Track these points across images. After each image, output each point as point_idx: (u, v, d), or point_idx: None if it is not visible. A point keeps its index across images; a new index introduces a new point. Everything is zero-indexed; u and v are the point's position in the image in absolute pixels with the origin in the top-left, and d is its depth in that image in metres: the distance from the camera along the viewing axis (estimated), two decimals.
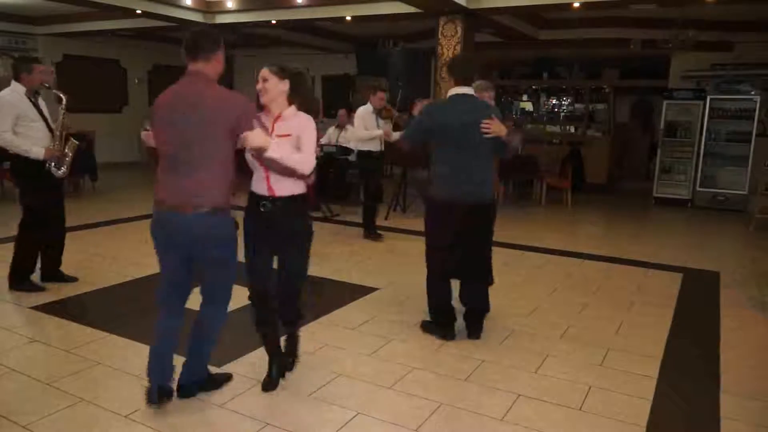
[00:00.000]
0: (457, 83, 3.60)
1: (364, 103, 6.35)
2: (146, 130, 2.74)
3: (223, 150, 2.49)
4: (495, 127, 3.42)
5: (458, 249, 3.59)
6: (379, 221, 6.74)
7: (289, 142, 2.67)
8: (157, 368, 2.66)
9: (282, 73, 2.70)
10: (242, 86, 13.08)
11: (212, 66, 2.53)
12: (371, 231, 6.48)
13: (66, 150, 4.30)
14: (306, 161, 2.67)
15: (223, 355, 3.18)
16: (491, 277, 3.78)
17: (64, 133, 4.29)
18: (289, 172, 2.64)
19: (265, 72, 2.71)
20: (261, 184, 2.74)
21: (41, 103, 4.30)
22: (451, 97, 3.63)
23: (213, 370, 3.00)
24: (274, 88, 2.70)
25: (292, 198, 2.75)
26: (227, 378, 3.00)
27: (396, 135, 5.88)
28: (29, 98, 4.19)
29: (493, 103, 3.90)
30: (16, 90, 4.15)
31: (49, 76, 4.38)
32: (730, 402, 2.96)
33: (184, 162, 2.47)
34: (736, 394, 3.05)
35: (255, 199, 2.77)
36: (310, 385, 3.01)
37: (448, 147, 3.54)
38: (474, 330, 3.71)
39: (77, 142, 4.39)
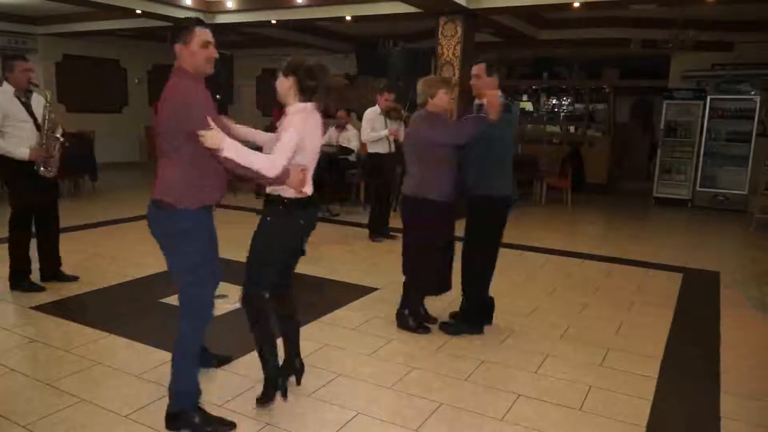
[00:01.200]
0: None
1: (363, 103, 6.35)
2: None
3: (179, 146, 2.40)
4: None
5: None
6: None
7: (272, 139, 2.66)
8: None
9: (286, 69, 2.69)
10: (243, 86, 13.13)
11: (181, 59, 2.45)
12: (381, 232, 6.40)
13: (52, 150, 4.24)
14: (266, 163, 2.46)
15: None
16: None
17: (49, 131, 4.24)
18: (251, 173, 2.47)
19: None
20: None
21: (34, 101, 4.26)
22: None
23: (214, 372, 3.00)
24: (281, 85, 2.71)
25: (268, 198, 2.72)
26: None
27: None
28: (18, 98, 4.16)
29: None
30: (4, 90, 4.14)
31: (31, 72, 4.26)
32: (730, 402, 2.96)
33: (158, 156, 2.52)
34: (736, 394, 3.05)
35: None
36: (310, 385, 3.01)
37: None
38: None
39: (60, 138, 4.30)
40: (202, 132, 2.32)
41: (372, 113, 6.29)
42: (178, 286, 2.56)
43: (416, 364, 3.31)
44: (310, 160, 2.68)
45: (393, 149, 6.29)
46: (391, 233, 6.43)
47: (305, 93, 2.67)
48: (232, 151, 2.38)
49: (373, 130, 6.25)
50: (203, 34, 2.44)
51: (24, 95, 4.21)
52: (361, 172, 8.25)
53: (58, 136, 4.30)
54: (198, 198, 2.46)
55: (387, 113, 6.26)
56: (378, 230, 6.45)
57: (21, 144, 4.12)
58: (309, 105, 2.69)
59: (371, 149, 6.40)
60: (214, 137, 2.33)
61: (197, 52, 2.42)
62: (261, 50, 12.13)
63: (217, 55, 2.50)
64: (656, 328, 3.98)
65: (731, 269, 5.56)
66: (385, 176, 6.45)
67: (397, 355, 3.44)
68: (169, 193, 2.42)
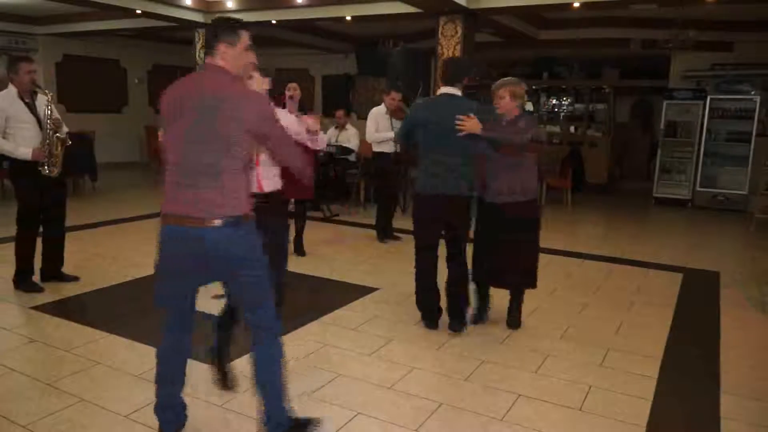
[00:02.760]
0: (445, 84, 3.81)
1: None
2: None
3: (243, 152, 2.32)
4: (468, 124, 3.50)
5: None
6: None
7: None
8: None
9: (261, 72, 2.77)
10: None
11: (219, 59, 2.30)
12: (386, 234, 6.35)
13: (54, 150, 4.25)
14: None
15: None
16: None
17: (51, 132, 4.25)
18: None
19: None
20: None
21: (39, 102, 4.27)
22: (437, 95, 3.88)
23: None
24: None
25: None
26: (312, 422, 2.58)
27: None
28: (23, 99, 4.18)
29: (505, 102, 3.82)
30: (9, 92, 4.16)
31: (35, 73, 4.27)
32: (730, 402, 2.96)
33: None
34: (736, 394, 3.05)
35: None
36: (310, 385, 3.01)
37: (427, 143, 3.75)
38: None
39: (63, 137, 4.32)
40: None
41: (377, 113, 6.23)
42: (262, 302, 2.36)
43: (416, 364, 3.31)
44: None
45: (398, 149, 6.27)
46: (395, 234, 6.39)
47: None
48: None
49: (378, 129, 6.20)
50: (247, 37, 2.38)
51: (28, 96, 4.23)
52: (362, 172, 8.25)
53: (62, 135, 4.31)
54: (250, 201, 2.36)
55: (393, 113, 6.20)
56: (386, 231, 6.36)
57: (24, 144, 4.13)
58: None
59: (376, 149, 6.35)
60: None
61: (232, 55, 2.31)
62: (261, 50, 12.11)
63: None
64: (656, 328, 3.98)
65: (731, 269, 5.56)
66: (391, 176, 6.41)
67: (396, 355, 3.44)
68: (245, 203, 2.28)
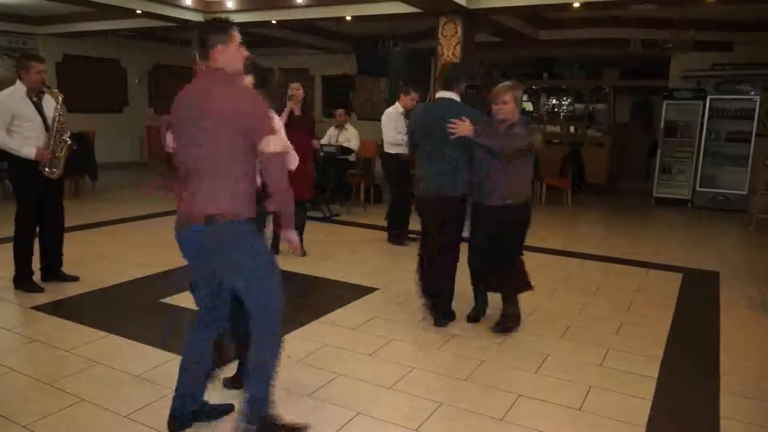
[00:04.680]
0: (442, 88, 3.97)
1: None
2: None
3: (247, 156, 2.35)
4: (460, 127, 3.58)
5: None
6: (377, 221, 6.72)
7: None
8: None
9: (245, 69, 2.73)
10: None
11: (217, 60, 2.32)
12: (401, 235, 6.19)
13: (58, 151, 4.27)
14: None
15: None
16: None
17: (58, 133, 4.27)
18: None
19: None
20: None
21: (45, 102, 4.28)
22: (435, 100, 4.03)
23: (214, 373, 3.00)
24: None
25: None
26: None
27: None
28: (30, 98, 4.18)
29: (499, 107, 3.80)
30: (17, 90, 4.16)
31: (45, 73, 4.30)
32: (730, 402, 2.96)
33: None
34: (736, 394, 3.05)
35: None
36: (310, 385, 3.01)
37: (423, 145, 3.89)
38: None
39: (69, 142, 4.34)
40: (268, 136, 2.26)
41: (393, 113, 6.11)
42: (270, 303, 2.41)
43: (416, 364, 3.31)
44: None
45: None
46: (410, 236, 6.16)
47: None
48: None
49: (397, 130, 6.03)
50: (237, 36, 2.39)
51: (36, 95, 4.23)
52: (361, 173, 8.25)
53: (67, 138, 4.34)
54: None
55: (408, 113, 6.01)
56: (400, 237, 6.21)
57: (28, 143, 4.13)
58: None
59: (391, 150, 6.16)
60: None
61: (227, 56, 2.33)
62: (261, 50, 12.13)
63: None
64: (656, 328, 3.98)
65: (731, 269, 5.56)
66: (406, 178, 6.34)
67: (397, 355, 3.44)
68: (247, 208, 2.34)
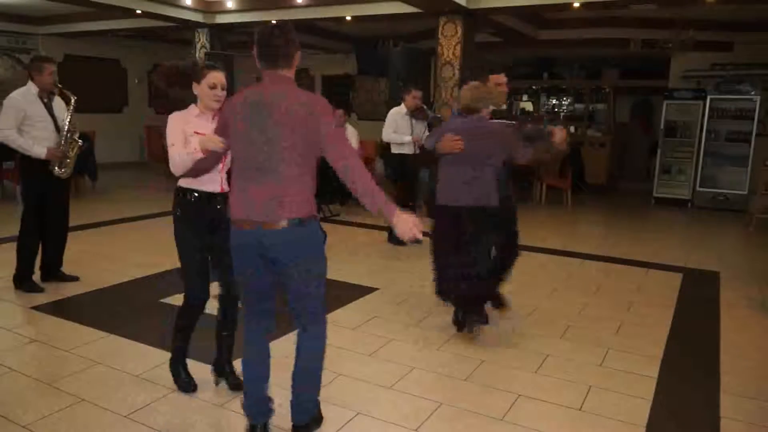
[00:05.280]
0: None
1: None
2: None
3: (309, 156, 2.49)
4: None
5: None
6: (377, 221, 6.71)
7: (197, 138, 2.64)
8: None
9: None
10: (242, 87, 13.13)
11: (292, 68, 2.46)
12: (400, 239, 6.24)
13: (69, 152, 4.31)
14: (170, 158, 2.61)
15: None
16: None
17: (69, 134, 4.31)
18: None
19: (221, 77, 2.84)
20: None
21: (56, 104, 4.33)
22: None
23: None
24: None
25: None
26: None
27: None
28: (41, 98, 4.22)
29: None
30: (29, 90, 4.20)
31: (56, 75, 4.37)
32: (730, 402, 2.96)
33: None
34: (736, 394, 3.05)
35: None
36: None
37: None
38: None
39: (80, 142, 4.40)
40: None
41: (397, 113, 6.10)
42: (317, 299, 2.61)
43: (416, 364, 3.31)
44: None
45: (417, 151, 6.18)
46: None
47: None
48: None
49: (396, 130, 6.07)
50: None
51: (47, 96, 4.27)
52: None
53: (77, 138, 4.37)
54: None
55: (412, 113, 6.07)
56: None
57: (37, 143, 4.16)
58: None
59: (396, 150, 6.19)
60: None
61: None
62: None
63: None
64: (656, 328, 3.98)
65: (731, 269, 5.55)
66: (409, 178, 6.30)
67: (396, 355, 3.44)
68: (311, 204, 2.43)
